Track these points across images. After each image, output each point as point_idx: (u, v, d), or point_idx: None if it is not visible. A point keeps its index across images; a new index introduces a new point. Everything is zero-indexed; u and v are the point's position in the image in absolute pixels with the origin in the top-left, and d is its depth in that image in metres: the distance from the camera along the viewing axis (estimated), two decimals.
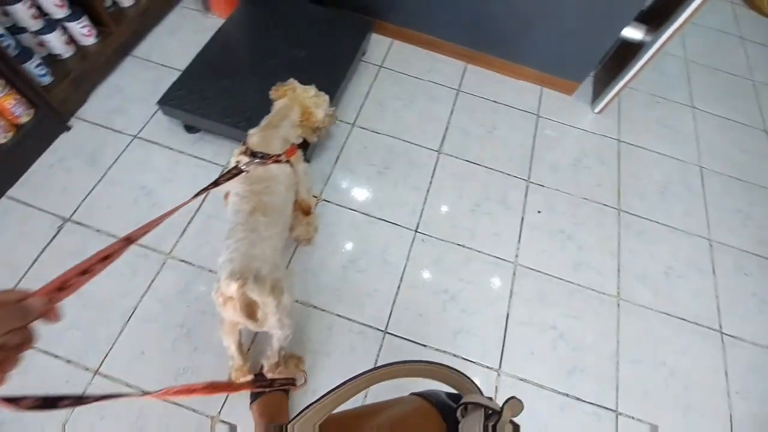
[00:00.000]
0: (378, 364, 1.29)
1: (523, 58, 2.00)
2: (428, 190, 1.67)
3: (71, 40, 1.59)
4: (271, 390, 1.11)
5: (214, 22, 1.91)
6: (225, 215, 1.06)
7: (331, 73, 1.68)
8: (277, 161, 1.07)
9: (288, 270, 1.42)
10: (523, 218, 1.67)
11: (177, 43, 1.88)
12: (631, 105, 2.09)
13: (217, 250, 0.95)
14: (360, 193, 1.64)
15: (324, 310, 1.38)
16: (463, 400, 0.54)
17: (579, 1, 1.66)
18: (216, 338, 1.08)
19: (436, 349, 1.37)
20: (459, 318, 1.43)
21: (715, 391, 1.42)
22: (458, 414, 0.54)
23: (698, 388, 1.41)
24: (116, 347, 1.24)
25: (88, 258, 0.50)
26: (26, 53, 1.41)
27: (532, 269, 1.56)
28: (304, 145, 1.27)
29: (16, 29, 1.44)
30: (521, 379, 1.35)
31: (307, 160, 1.58)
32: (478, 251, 1.56)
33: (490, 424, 0.48)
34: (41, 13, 1.48)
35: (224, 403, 1.20)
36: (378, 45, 2.06)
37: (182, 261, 1.40)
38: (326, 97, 1.28)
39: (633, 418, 1.34)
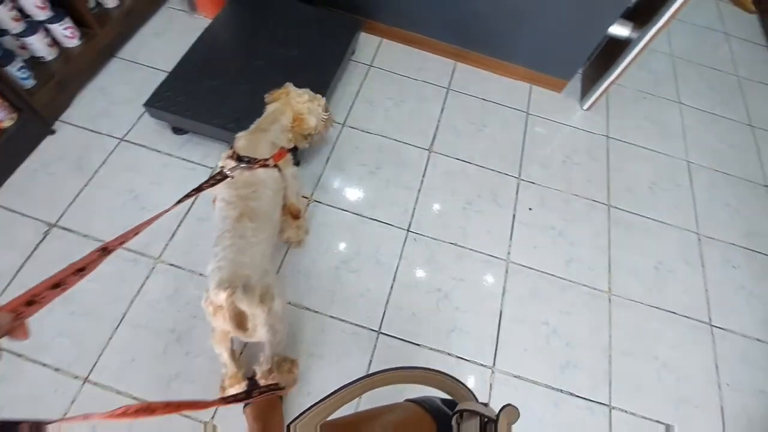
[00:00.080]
0: (372, 367, 1.31)
1: (513, 56, 2.00)
2: (420, 189, 1.67)
3: (54, 42, 1.56)
4: (252, 400, 1.10)
5: (200, 23, 1.89)
6: (215, 218, 1.04)
7: (321, 73, 1.67)
8: (265, 165, 1.05)
9: (279, 274, 1.41)
10: (514, 215, 1.67)
11: (163, 44, 1.86)
12: (619, 101, 2.11)
13: (208, 253, 0.94)
14: (351, 193, 1.63)
15: (317, 312, 1.37)
16: (458, 408, 0.54)
17: None
18: (208, 343, 1.06)
19: (430, 348, 1.37)
20: (452, 316, 1.43)
21: (706, 383, 1.44)
22: (453, 422, 0.54)
23: (690, 380, 1.43)
24: (106, 354, 1.22)
25: (61, 270, 0.48)
26: (8, 56, 1.38)
27: (524, 266, 1.56)
28: (294, 148, 1.25)
29: None
30: (515, 376, 1.36)
31: (297, 162, 1.56)
32: (471, 249, 1.57)
33: None
34: (23, 15, 1.45)
35: (217, 408, 1.19)
36: (367, 44, 2.05)
37: (172, 265, 1.38)
38: (322, 101, 1.25)
39: (626, 411, 1.35)
